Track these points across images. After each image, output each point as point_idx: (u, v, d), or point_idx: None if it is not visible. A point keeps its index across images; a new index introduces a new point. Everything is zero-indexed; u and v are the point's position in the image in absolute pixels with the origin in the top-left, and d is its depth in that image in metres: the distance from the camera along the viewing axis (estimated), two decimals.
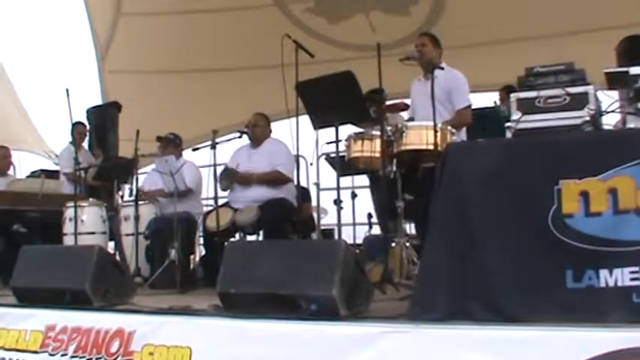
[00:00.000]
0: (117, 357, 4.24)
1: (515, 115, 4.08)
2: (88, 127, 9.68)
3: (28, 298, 5.15)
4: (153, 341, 4.15)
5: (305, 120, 5.84)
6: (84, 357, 4.40)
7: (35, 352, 4.64)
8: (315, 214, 8.25)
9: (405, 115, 6.70)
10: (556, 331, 3.18)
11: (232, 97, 11.62)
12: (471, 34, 9.86)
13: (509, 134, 4.15)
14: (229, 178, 6.85)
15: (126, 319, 4.42)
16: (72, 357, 4.44)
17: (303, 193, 7.60)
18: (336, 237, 5.80)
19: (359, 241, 7.90)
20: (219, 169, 6.75)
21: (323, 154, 8.14)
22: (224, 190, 6.92)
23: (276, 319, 3.84)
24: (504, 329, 3.31)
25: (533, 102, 4.07)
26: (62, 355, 4.49)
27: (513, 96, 4.18)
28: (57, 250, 6.01)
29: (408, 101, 6.72)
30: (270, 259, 4.09)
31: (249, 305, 3.99)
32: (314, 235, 8.07)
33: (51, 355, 4.55)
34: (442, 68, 5.73)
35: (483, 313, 3.53)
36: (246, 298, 4.03)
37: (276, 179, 6.87)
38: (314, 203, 8.12)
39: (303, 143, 6.25)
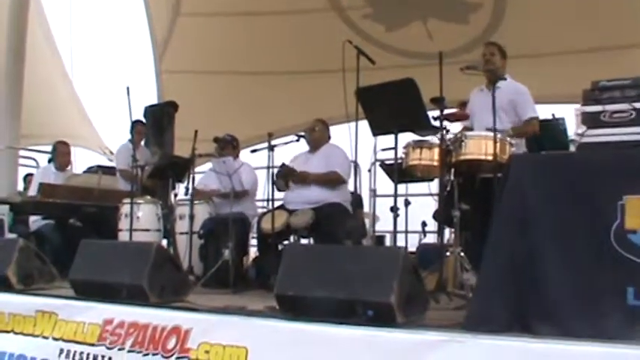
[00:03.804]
0: (173, 353, 4.29)
1: (580, 129, 4.05)
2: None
3: (86, 291, 5.24)
4: (209, 340, 4.20)
5: (363, 125, 5.83)
6: (140, 352, 4.45)
7: (92, 344, 4.71)
8: (367, 220, 8.26)
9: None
10: (616, 348, 3.16)
11: (288, 100, 11.69)
12: (529, 45, 9.76)
13: (573, 148, 4.12)
14: (286, 175, 6.86)
15: (183, 316, 4.48)
16: (129, 351, 4.50)
17: (356, 199, 7.60)
18: (392, 244, 5.80)
19: (412, 249, 7.89)
20: (275, 172, 6.78)
21: (377, 161, 8.14)
22: (280, 190, 6.94)
23: (333, 323, 3.85)
24: (564, 344, 3.29)
25: (598, 116, 4.03)
26: (119, 350, 4.56)
27: (578, 109, 4.15)
28: (115, 245, 6.13)
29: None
30: (329, 264, 4.10)
31: (305, 308, 4.02)
32: (364, 242, 8.07)
33: (108, 348, 4.62)
34: (505, 79, 5.70)
35: (542, 327, 3.52)
36: (303, 301, 4.05)
37: (332, 180, 6.83)
38: (365, 209, 8.13)
39: (359, 149, 6.24)
